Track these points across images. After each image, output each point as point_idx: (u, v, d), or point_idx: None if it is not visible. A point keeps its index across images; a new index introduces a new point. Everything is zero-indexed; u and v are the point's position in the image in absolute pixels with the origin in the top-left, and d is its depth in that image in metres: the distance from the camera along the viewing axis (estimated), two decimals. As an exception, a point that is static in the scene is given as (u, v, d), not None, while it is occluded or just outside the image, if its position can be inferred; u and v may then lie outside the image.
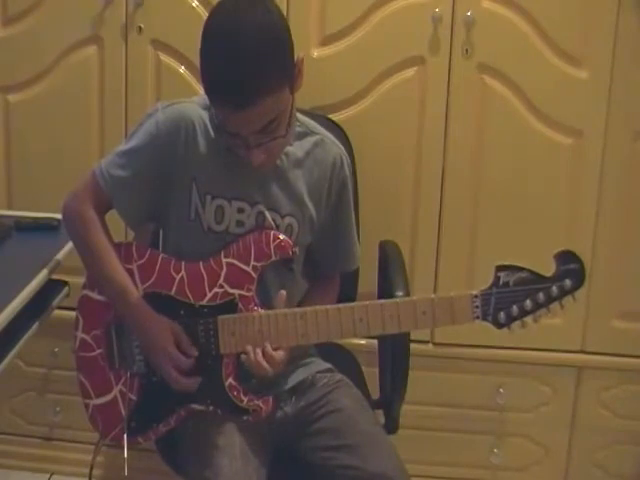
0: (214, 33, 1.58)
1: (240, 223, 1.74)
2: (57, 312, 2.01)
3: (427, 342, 2.45)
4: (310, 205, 1.80)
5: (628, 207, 2.35)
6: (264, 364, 1.68)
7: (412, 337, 1.90)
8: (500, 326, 1.65)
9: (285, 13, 2.28)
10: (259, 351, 1.68)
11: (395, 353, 1.93)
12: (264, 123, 1.60)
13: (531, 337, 2.37)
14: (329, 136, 1.85)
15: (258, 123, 1.59)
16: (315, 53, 2.33)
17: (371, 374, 2.16)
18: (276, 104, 1.59)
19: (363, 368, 2.20)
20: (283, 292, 1.72)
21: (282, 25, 1.62)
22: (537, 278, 1.63)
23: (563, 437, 2.52)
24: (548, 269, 1.66)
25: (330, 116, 2.29)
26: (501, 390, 2.48)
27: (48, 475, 2.65)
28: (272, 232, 1.73)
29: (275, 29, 1.59)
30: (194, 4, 2.33)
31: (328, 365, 1.91)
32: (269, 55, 1.56)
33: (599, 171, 2.32)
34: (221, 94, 1.58)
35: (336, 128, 2.22)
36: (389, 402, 1.98)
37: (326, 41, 2.33)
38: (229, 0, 1.62)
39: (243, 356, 1.70)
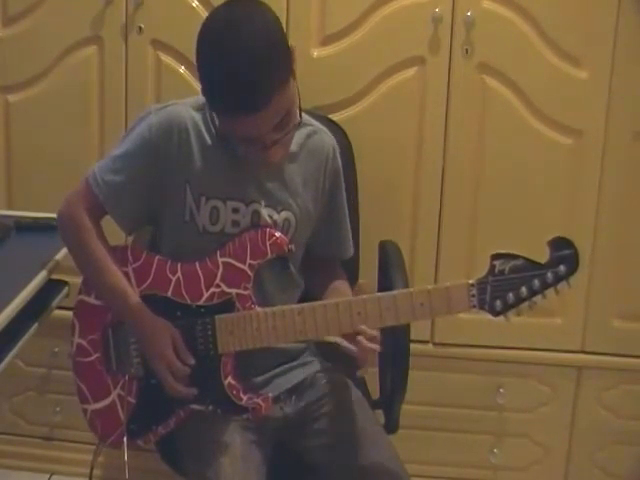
0: (214, 44, 1.57)
1: (236, 223, 1.74)
2: (57, 312, 2.01)
3: (427, 342, 2.45)
4: (306, 197, 1.80)
5: (628, 207, 2.35)
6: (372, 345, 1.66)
7: (412, 337, 1.90)
8: (497, 314, 1.66)
9: (285, 13, 2.30)
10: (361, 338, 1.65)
11: (395, 353, 1.93)
12: (280, 117, 1.60)
13: (531, 337, 2.40)
14: (321, 127, 1.85)
15: (274, 119, 1.59)
16: (315, 53, 2.33)
17: (371, 374, 2.15)
18: (286, 96, 1.59)
19: (363, 368, 2.20)
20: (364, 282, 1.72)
21: (276, 21, 1.62)
22: (532, 265, 1.64)
23: (563, 437, 2.52)
24: (548, 270, 1.66)
25: (330, 116, 2.29)
26: (501, 390, 2.48)
27: (48, 475, 2.65)
28: (268, 230, 1.73)
29: (271, 26, 1.60)
30: (194, 4, 2.33)
31: (328, 365, 1.91)
32: (273, 54, 1.56)
33: (599, 171, 2.33)
34: (234, 103, 1.57)
35: (336, 128, 2.22)
36: (389, 402, 1.98)
37: (326, 41, 2.33)
38: (220, 11, 1.61)
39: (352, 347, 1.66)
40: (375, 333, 1.66)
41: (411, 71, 2.32)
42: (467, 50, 2.27)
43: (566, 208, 2.35)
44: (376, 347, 1.65)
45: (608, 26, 2.23)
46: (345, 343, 1.66)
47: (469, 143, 2.34)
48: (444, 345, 2.46)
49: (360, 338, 1.65)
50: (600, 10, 2.23)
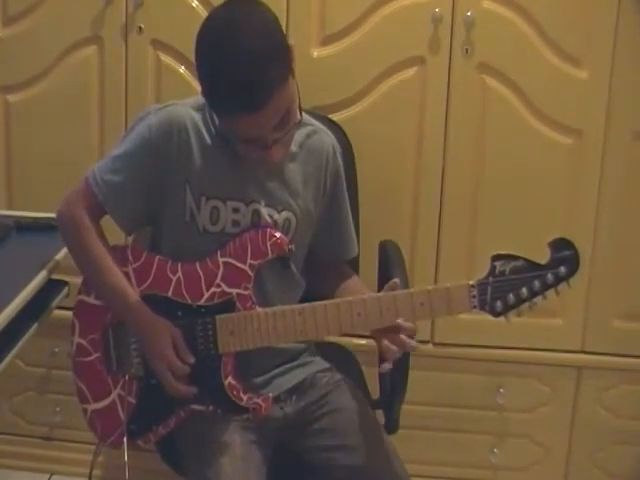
0: (213, 44, 1.57)
1: (236, 223, 1.74)
2: (57, 312, 2.01)
3: (427, 342, 2.45)
4: (307, 197, 1.80)
5: (628, 207, 2.35)
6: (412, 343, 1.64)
7: (412, 337, 1.90)
8: (497, 315, 1.66)
9: (285, 13, 2.29)
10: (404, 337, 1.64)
11: (395, 353, 1.93)
12: (281, 116, 1.60)
13: (531, 337, 2.40)
14: (321, 126, 1.85)
15: (275, 118, 1.59)
16: (315, 53, 2.33)
17: (371, 374, 2.15)
18: (287, 95, 1.60)
19: (363, 368, 2.20)
20: (396, 280, 1.70)
21: (274, 20, 1.62)
22: (532, 266, 1.64)
23: (563, 437, 2.52)
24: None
25: (330, 116, 2.29)
26: (501, 390, 2.48)
27: (48, 475, 2.65)
28: (268, 230, 1.73)
29: (270, 25, 1.60)
30: (194, 4, 2.33)
31: (328, 365, 1.91)
32: (273, 54, 1.56)
33: (599, 171, 2.33)
34: (234, 103, 1.57)
35: (336, 128, 2.22)
36: (389, 402, 1.98)
37: (326, 41, 2.33)
38: (219, 11, 1.61)
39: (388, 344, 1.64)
40: (412, 326, 1.65)
41: (411, 71, 2.32)
42: (467, 50, 2.27)
43: (566, 208, 2.35)
44: (414, 344, 1.64)
45: (608, 26, 2.23)
46: (387, 342, 1.64)
47: (469, 143, 2.34)
48: (444, 345, 2.45)
49: (403, 337, 1.63)
50: (600, 10, 2.23)
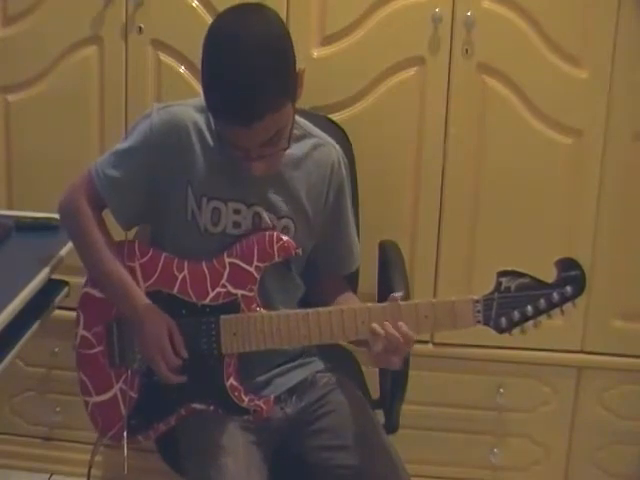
0: (217, 53, 1.57)
1: (237, 224, 1.74)
2: (57, 312, 2.01)
3: (427, 342, 2.45)
4: (308, 207, 1.80)
5: (628, 207, 2.35)
6: (396, 334, 1.62)
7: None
8: (501, 331, 1.65)
9: (285, 13, 2.29)
10: (388, 324, 1.63)
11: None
12: (268, 136, 1.60)
13: (531, 337, 2.37)
14: (326, 138, 1.84)
15: (262, 137, 1.59)
16: (315, 53, 2.33)
17: (371, 374, 2.16)
18: (280, 118, 1.59)
19: (363, 368, 2.20)
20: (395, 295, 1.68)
21: (285, 38, 1.62)
22: (538, 284, 1.63)
23: (563, 437, 2.52)
24: (548, 269, 1.65)
25: (330, 116, 2.29)
26: (501, 390, 2.48)
27: (48, 475, 2.65)
28: (275, 233, 1.73)
29: (278, 44, 1.59)
30: (194, 4, 2.33)
31: (328, 365, 1.91)
32: (274, 74, 1.56)
33: (599, 171, 2.33)
34: (227, 113, 1.57)
35: (336, 128, 2.22)
36: (389, 402, 1.98)
37: (326, 41, 2.33)
38: (229, 16, 1.62)
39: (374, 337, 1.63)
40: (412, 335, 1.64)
41: (411, 71, 2.32)
42: (467, 50, 2.27)
43: (566, 208, 2.35)
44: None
45: (608, 26, 2.23)
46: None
47: (469, 143, 2.34)
48: (444, 345, 2.45)
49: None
50: (600, 10, 2.23)
